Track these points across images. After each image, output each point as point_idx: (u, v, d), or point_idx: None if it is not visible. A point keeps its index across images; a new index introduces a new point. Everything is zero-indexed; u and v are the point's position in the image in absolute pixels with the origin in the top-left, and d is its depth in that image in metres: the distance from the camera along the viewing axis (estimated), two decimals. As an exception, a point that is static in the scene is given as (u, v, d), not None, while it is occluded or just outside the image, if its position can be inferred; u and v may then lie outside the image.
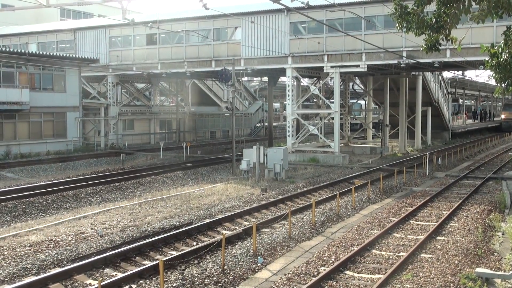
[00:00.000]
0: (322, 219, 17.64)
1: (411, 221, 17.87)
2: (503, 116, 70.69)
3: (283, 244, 14.80)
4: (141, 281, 11.75)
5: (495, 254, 14.07)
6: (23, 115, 35.03)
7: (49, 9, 47.62)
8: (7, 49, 35.69)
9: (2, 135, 34.09)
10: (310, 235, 15.93)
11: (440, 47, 12.26)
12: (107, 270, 12.61)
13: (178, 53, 38.55)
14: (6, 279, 11.70)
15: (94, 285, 11.45)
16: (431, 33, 11.79)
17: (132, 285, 11.50)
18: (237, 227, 16.95)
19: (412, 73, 41.13)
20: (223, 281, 11.78)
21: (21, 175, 28.24)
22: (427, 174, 28.79)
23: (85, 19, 61.45)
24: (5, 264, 12.68)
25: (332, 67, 33.49)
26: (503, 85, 12.04)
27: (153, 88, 50.42)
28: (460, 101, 76.14)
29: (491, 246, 14.77)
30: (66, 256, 13.29)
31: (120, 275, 12.09)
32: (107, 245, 14.32)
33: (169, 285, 11.38)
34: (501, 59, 11.35)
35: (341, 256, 13.52)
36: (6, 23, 55.44)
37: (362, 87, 50.05)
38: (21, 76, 35.59)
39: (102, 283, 10.72)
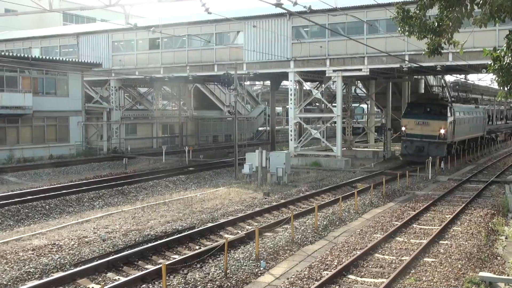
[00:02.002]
0: (324, 223, 17.62)
1: (414, 225, 17.84)
2: (403, 128, 35.62)
3: (286, 248, 14.79)
4: (143, 285, 11.75)
5: (499, 258, 14.04)
6: (26, 120, 35.10)
7: (52, 13, 47.73)
8: (10, 54, 35.83)
9: (5, 140, 34.16)
10: (312, 239, 15.91)
11: (442, 51, 12.27)
12: (109, 274, 12.61)
13: (180, 58, 38.61)
14: (9, 283, 11.71)
15: (96, 289, 11.46)
16: (433, 37, 11.80)
17: (135, 289, 11.50)
18: (239, 231, 16.94)
19: (415, 76, 41.14)
20: (225, 285, 11.76)
21: (24, 179, 28.28)
22: (429, 178, 28.75)
23: (88, 23, 61.63)
24: (8, 268, 12.69)
25: (334, 71, 33.49)
26: (505, 88, 12.03)
27: (156, 92, 50.48)
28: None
29: (494, 250, 14.73)
30: (69, 260, 13.30)
31: (122, 279, 12.09)
32: (110, 249, 14.32)
33: (171, 289, 11.38)
34: (504, 63, 11.33)
35: (343, 260, 13.50)
36: (9, 27, 55.64)
37: (365, 91, 50.04)
38: (24, 80, 35.70)
39: (104, 287, 10.72)
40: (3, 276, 12.05)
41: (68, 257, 13.50)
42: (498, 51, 11.61)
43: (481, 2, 10.77)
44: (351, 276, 12.51)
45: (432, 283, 11.85)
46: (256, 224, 17.83)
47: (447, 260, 13.56)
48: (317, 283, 11.60)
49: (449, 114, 34.48)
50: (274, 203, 21.01)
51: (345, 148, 40.60)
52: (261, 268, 12.98)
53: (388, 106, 41.62)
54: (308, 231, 16.49)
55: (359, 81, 46.99)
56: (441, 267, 13.02)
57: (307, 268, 12.97)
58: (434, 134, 33.66)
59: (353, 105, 46.57)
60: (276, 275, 12.58)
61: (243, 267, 12.93)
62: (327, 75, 34.27)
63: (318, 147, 41.36)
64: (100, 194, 23.26)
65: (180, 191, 25.05)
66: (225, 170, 32.29)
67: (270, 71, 36.42)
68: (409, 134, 34.51)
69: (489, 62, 11.84)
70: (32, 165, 32.20)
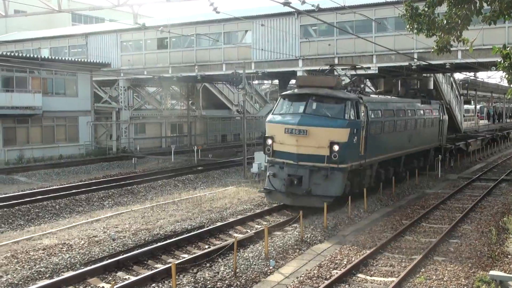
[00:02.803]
0: (334, 222, 17.59)
1: (424, 224, 17.78)
2: (269, 141, 19.75)
3: (295, 247, 14.79)
4: (153, 284, 11.80)
5: (509, 256, 13.94)
6: (35, 120, 35.30)
7: (61, 14, 48.03)
8: (20, 54, 36.03)
9: (15, 140, 34.37)
10: (322, 238, 15.89)
11: (451, 49, 12.22)
12: (119, 274, 12.67)
13: (188, 57, 38.67)
14: (20, 282, 11.80)
15: (107, 288, 11.52)
16: (442, 35, 11.76)
17: (145, 288, 11.53)
18: (248, 230, 16.96)
19: (424, 74, 40.89)
20: (235, 284, 11.78)
21: (34, 179, 28.44)
22: (439, 176, 28.61)
23: (97, 23, 61.84)
24: (19, 268, 12.78)
25: (343, 69, 33.41)
26: (515, 86, 11.97)
27: (164, 92, 50.57)
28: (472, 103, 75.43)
29: (505, 248, 14.64)
30: (79, 259, 13.37)
31: (132, 278, 12.15)
32: (120, 249, 14.38)
33: (181, 287, 11.42)
34: (514, 60, 11.28)
35: (353, 259, 13.48)
36: (19, 28, 55.96)
37: (373, 89, 49.87)
38: (34, 80, 35.88)
39: (115, 286, 10.76)
40: (15, 275, 12.14)
41: (78, 256, 13.58)
42: (508, 49, 11.55)
43: (490, -1, 10.73)
44: (361, 275, 12.49)
45: (442, 282, 11.81)
46: (265, 223, 17.84)
47: (457, 259, 13.52)
48: (326, 282, 11.59)
49: (351, 115, 19.47)
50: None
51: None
52: (271, 267, 12.99)
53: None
54: (318, 230, 16.48)
55: (367, 80, 46.84)
56: (451, 265, 12.98)
57: (317, 267, 12.96)
58: (320, 153, 18.62)
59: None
60: (285, 274, 12.58)
61: (252, 266, 12.95)
62: (335, 73, 34.17)
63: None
64: (109, 194, 23.36)
65: (189, 191, 25.10)
66: (234, 169, 32.30)
67: (278, 70, 36.39)
68: (278, 152, 19.51)
69: (499, 60, 11.78)
70: (42, 165, 32.37)
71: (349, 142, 19.00)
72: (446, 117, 32.54)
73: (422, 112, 27.78)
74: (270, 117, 20.44)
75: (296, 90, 20.76)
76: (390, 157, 23.41)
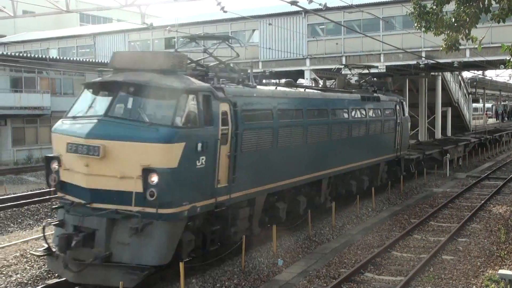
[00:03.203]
0: (342, 220, 17.56)
1: (432, 223, 17.71)
2: (55, 164, 11.34)
3: (303, 246, 14.78)
4: (162, 284, 11.81)
5: (518, 255, 13.89)
6: (44, 120, 35.46)
7: (69, 14, 48.16)
8: (29, 55, 36.21)
9: (24, 140, 34.55)
10: (330, 237, 15.87)
11: (459, 47, 12.18)
12: (128, 273, 12.68)
13: (196, 57, 38.67)
14: (30, 281, 11.86)
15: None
16: (451, 33, 11.72)
17: None
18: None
19: (432, 73, 40.79)
20: (243, 283, 11.79)
21: (43, 179, 28.46)
22: (447, 175, 28.50)
23: (105, 24, 62.04)
24: (28, 267, 12.84)
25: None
26: (524, 84, 11.92)
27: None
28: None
29: (514, 247, 14.59)
30: (88, 258, 13.39)
31: (141, 277, 12.15)
32: (128, 248, 14.40)
33: (190, 287, 11.42)
34: (523, 58, 11.24)
35: (361, 258, 13.46)
36: (27, 29, 56.24)
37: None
38: (42, 81, 36.08)
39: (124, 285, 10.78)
40: (24, 274, 12.20)
41: (87, 255, 13.60)
42: (517, 47, 11.50)
43: (499, -3, 10.69)
44: (369, 274, 12.47)
45: (451, 281, 11.77)
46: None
47: (466, 258, 13.47)
48: (334, 281, 11.58)
49: (192, 119, 11.07)
50: (291, 201, 20.92)
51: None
52: (279, 266, 12.99)
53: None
54: (326, 229, 16.46)
55: (375, 78, 46.69)
56: (460, 264, 12.93)
57: (325, 266, 12.95)
58: (127, 188, 10.33)
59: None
60: (293, 273, 12.57)
61: (260, 265, 12.95)
62: (343, 72, 34.12)
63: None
64: (118, 193, 23.38)
65: (197, 190, 25.07)
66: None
67: (286, 69, 36.38)
68: (66, 185, 11.32)
69: (508, 58, 11.74)
70: (50, 165, 32.48)
71: (184, 166, 10.58)
72: (406, 118, 24.61)
73: (362, 112, 19.59)
74: (58, 123, 11.91)
75: (108, 77, 12.29)
76: (294, 183, 15.15)
